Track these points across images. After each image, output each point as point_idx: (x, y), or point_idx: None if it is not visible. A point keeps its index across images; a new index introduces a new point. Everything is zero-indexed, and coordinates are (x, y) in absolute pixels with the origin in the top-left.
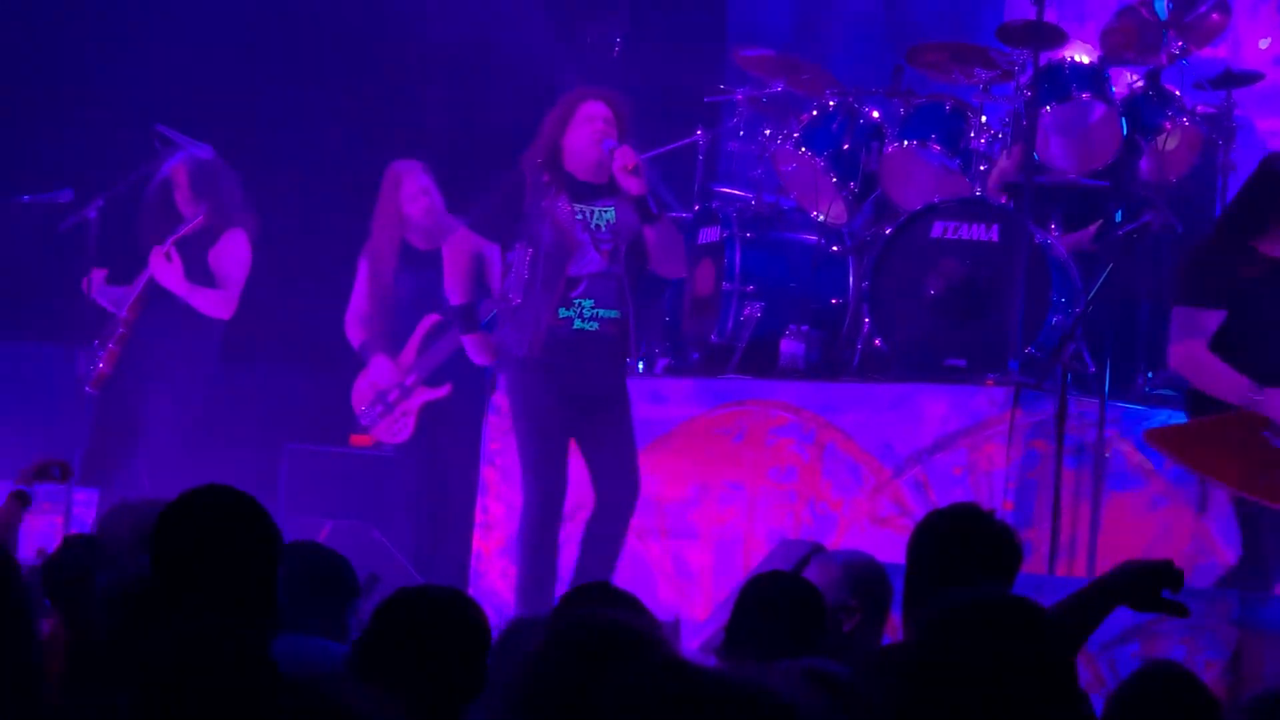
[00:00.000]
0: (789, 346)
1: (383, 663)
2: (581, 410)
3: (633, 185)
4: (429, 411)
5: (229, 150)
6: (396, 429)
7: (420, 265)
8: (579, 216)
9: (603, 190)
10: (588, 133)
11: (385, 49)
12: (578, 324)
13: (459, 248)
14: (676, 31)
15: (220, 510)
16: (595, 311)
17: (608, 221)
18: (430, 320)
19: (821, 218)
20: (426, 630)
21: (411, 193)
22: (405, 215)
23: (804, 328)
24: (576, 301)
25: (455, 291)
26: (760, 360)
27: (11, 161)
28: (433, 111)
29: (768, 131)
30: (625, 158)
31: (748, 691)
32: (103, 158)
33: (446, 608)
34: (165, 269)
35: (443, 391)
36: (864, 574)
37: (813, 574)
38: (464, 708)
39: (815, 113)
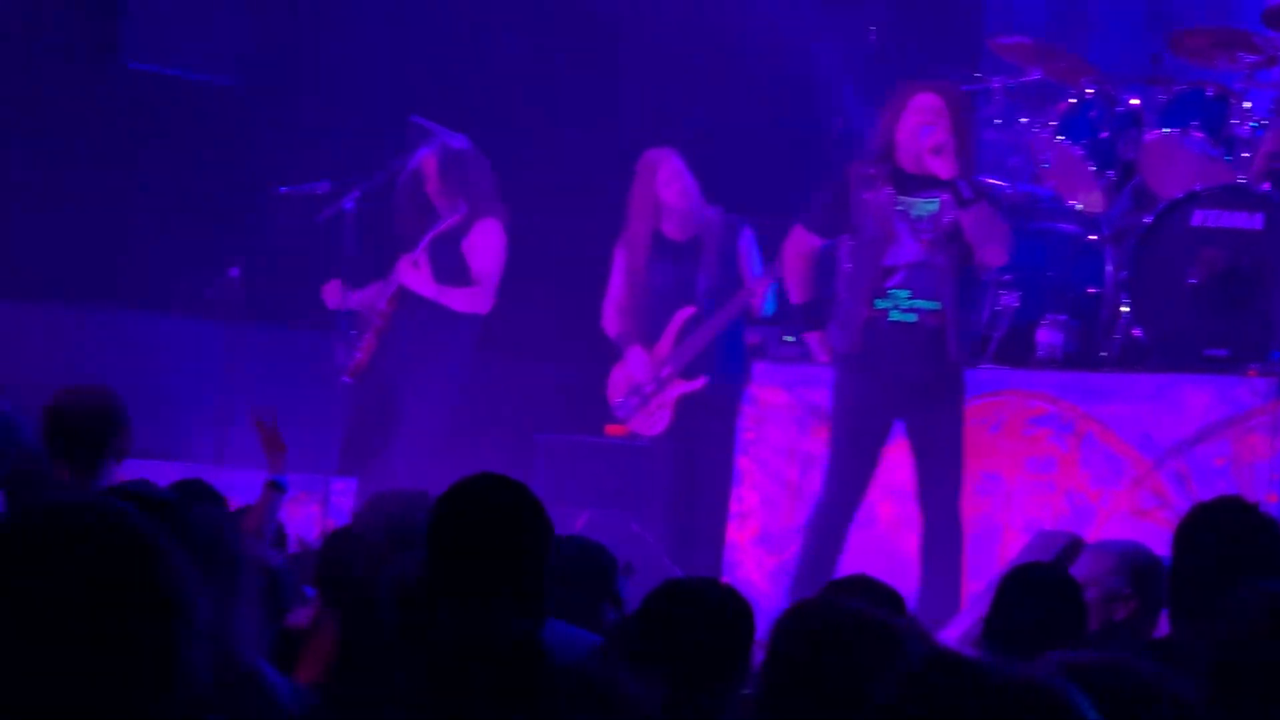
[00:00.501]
0: (1046, 336)
1: (646, 651)
2: (902, 406)
3: (940, 168)
4: (686, 401)
5: (484, 141)
6: (652, 421)
7: (677, 257)
8: (899, 207)
9: (931, 182)
10: (914, 124)
11: (638, 40)
12: (894, 315)
13: (794, 247)
14: (932, 20)
15: (497, 499)
16: (912, 303)
17: (930, 212)
18: (686, 313)
19: (1079, 206)
20: (691, 620)
21: (667, 177)
22: (661, 201)
23: (1061, 317)
24: (892, 292)
25: (794, 290)
26: (1017, 350)
27: (270, 153)
28: (685, 102)
29: (1024, 120)
30: (931, 139)
31: (1031, 686)
32: (360, 149)
33: (712, 598)
34: (413, 276)
35: (698, 384)
36: (1141, 564)
37: (1087, 561)
38: (726, 698)
39: (1073, 101)
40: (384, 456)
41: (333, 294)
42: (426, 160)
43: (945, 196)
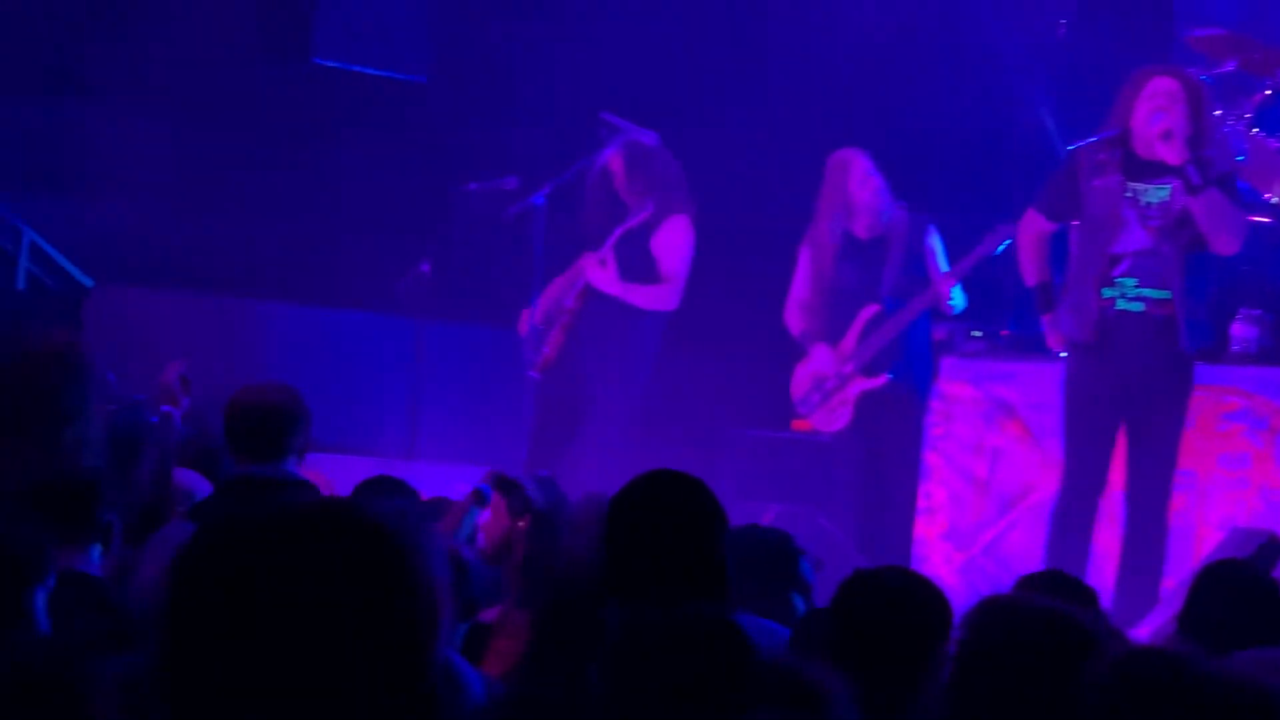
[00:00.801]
0: (1241, 330)
1: (839, 642)
2: (1130, 397)
3: (1169, 153)
4: (868, 398)
5: (673, 138)
6: (833, 417)
7: (864, 255)
8: (1128, 194)
9: (1161, 168)
10: (1147, 110)
11: (825, 37)
12: (1120, 304)
13: (1026, 230)
14: (1122, 12)
15: (670, 494)
16: (1139, 291)
17: (1160, 199)
18: (871, 310)
19: (1274, 200)
20: (884, 610)
21: (860, 177)
22: (853, 200)
23: (1256, 312)
24: (1119, 280)
25: (1028, 273)
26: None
27: (459, 149)
28: (872, 98)
29: (1218, 113)
30: (1161, 124)
31: (1238, 682)
32: (549, 145)
33: (905, 589)
34: (600, 274)
35: (879, 381)
36: None
37: None
38: (919, 690)
39: (1268, 93)
40: (572, 452)
41: (524, 323)
42: (614, 157)
43: (1176, 183)
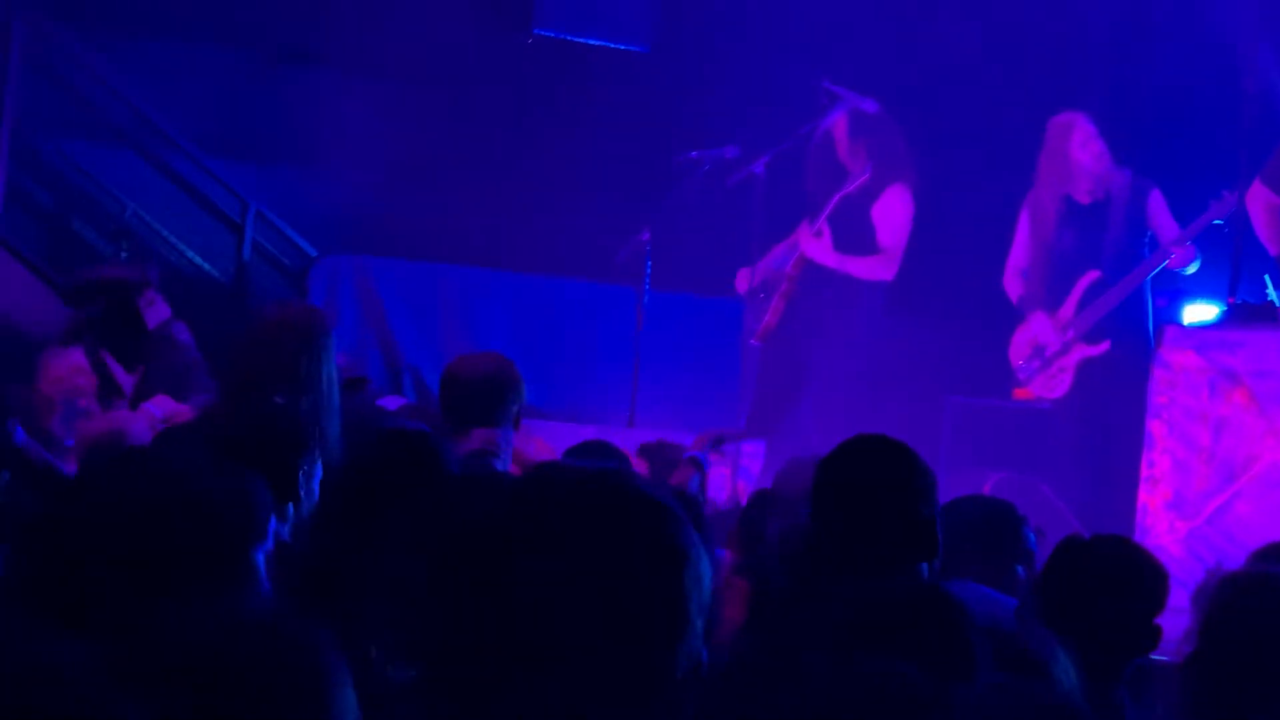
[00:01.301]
0: None
1: (1058, 611)
2: None
3: None
4: (1089, 365)
5: (894, 105)
6: (1053, 384)
7: (1084, 220)
8: None
9: None
10: None
11: (1047, 1)
12: None
13: (1254, 203)
14: None
15: (875, 459)
16: None
17: None
18: (1091, 276)
19: None
20: (1099, 579)
21: (1082, 140)
22: (1075, 163)
23: None
24: None
25: (1269, 245)
26: None
27: (680, 118)
28: (1093, 62)
29: None
30: None
31: None
32: (770, 114)
33: (1122, 558)
34: (815, 245)
35: (1100, 348)
36: None
37: None
38: (1132, 660)
39: None
40: (793, 420)
41: (743, 280)
42: (838, 122)
43: None
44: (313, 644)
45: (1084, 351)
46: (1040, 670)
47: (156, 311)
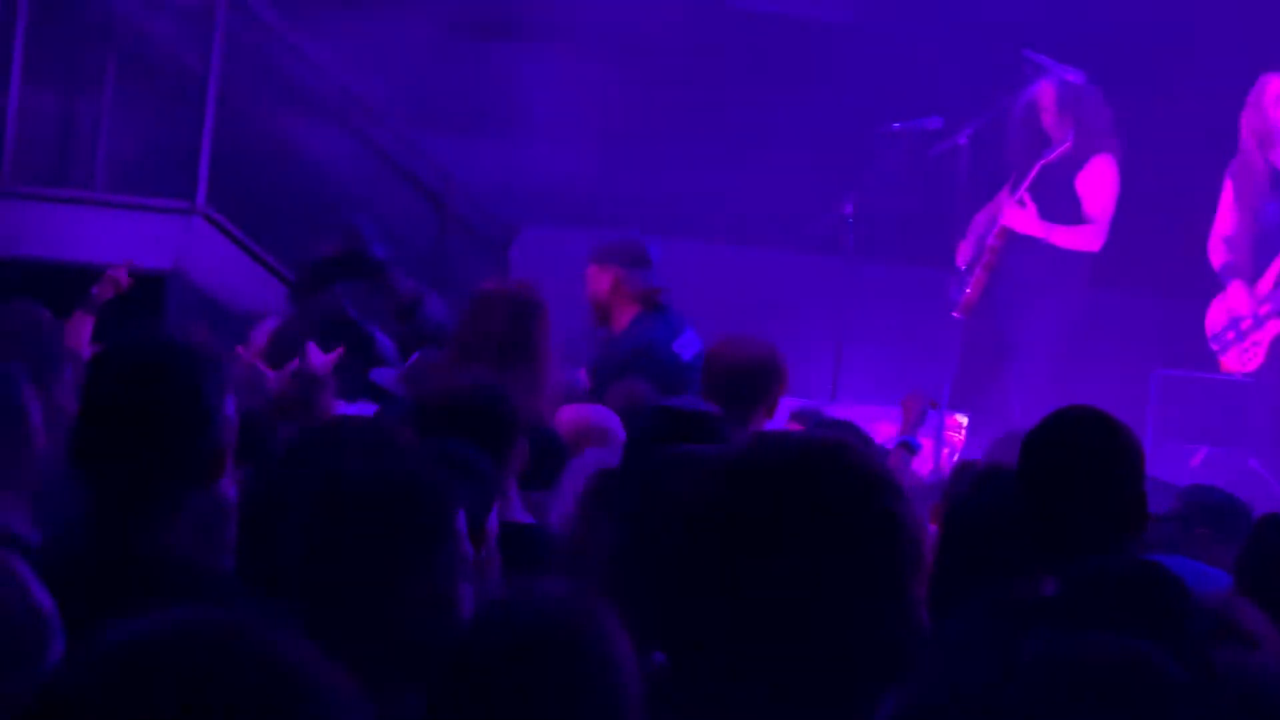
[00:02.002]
0: None
1: (1259, 588)
2: None
3: None
4: None
5: (1100, 75)
6: (1245, 358)
7: None
8: None
9: None
10: None
11: None
12: None
13: None
14: None
15: (1084, 431)
16: None
17: None
18: None
19: None
20: None
21: (1274, 99)
22: (1273, 127)
23: None
24: None
25: None
26: None
27: (882, 88)
28: None
29: None
30: None
31: None
32: (973, 84)
33: None
34: (1018, 216)
35: None
36: None
37: None
38: None
39: None
40: (997, 392)
41: (962, 254)
42: (1043, 91)
43: None
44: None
45: (1278, 327)
46: (1251, 646)
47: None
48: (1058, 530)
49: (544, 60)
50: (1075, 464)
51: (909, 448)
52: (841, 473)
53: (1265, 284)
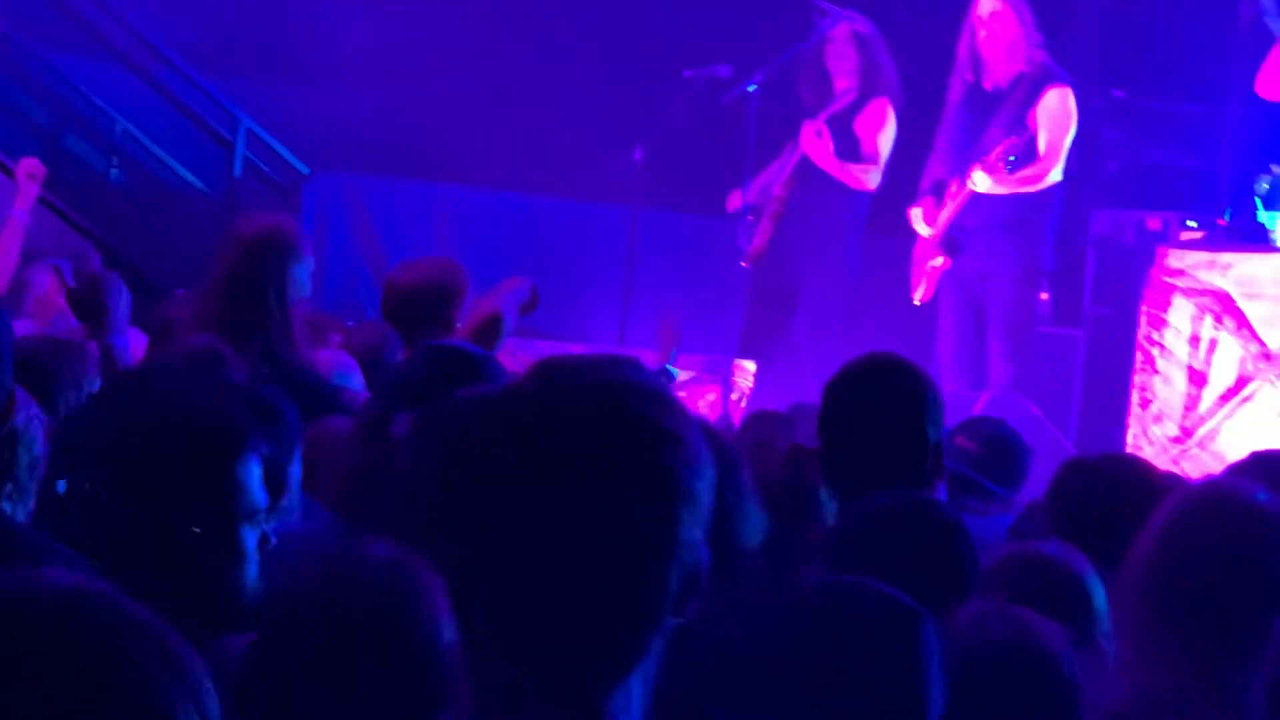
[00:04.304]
0: None
1: (1059, 528)
2: None
3: None
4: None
5: (883, 26)
6: (923, 291)
7: (977, 109)
8: None
9: None
10: None
11: None
12: None
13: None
14: None
15: (886, 377)
16: None
17: None
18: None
19: None
20: (1105, 496)
21: (981, 20)
22: (973, 45)
23: None
24: None
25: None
26: None
27: (674, 36)
28: None
29: None
30: None
31: None
32: (763, 32)
33: (1123, 476)
34: (816, 145)
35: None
36: None
37: None
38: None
39: None
40: (786, 340)
41: (734, 200)
42: (832, 38)
43: None
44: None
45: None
46: (1075, 589)
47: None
48: (854, 473)
49: (332, 5)
50: (876, 411)
51: (664, 374)
52: (617, 417)
53: (940, 209)
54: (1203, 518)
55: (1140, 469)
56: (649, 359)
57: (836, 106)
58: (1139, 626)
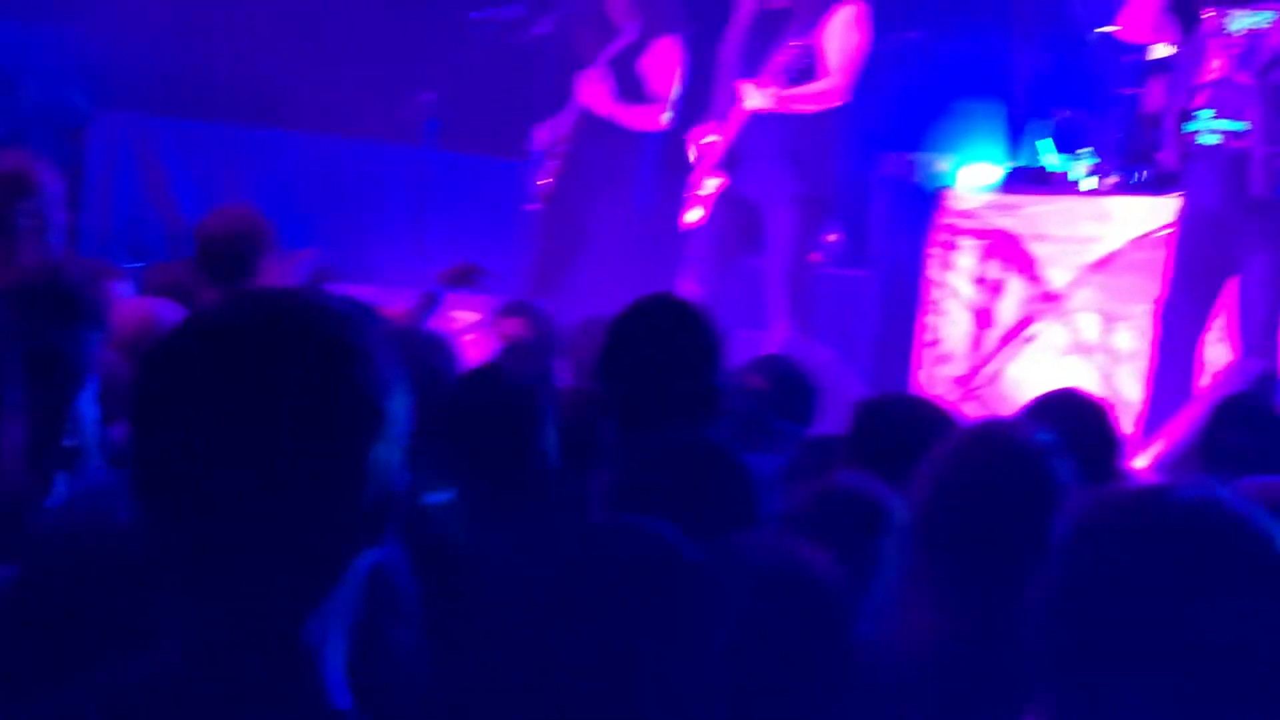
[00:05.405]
0: None
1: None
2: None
3: None
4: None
5: None
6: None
7: (760, 30)
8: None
9: None
10: None
11: None
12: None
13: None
14: None
15: (668, 318)
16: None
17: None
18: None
19: None
20: (901, 433)
21: None
22: None
23: None
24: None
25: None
26: None
27: None
28: None
29: None
30: None
31: (1204, 504)
32: None
33: (919, 413)
34: (592, 93)
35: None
36: None
37: None
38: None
39: None
40: (573, 280)
41: (539, 141)
42: None
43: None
44: None
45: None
46: (876, 518)
47: None
48: (636, 414)
49: None
50: (655, 350)
51: (431, 298)
52: (297, 334)
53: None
54: (974, 457)
55: (930, 408)
56: (450, 300)
57: (614, 49)
58: (917, 563)
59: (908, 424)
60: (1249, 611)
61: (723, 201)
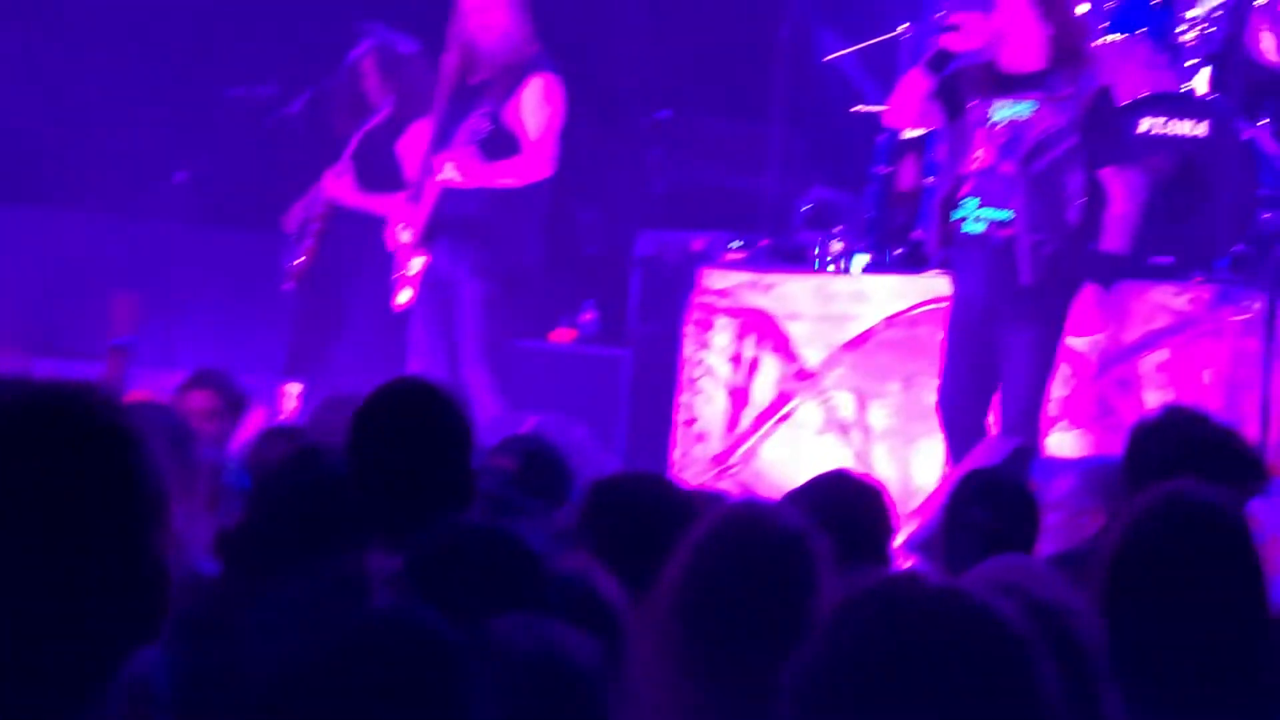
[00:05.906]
0: None
1: (591, 546)
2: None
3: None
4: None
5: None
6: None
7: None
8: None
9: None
10: None
11: None
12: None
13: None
14: None
15: (413, 403)
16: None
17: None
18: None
19: None
20: (630, 516)
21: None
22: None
23: None
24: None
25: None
26: None
27: (220, 54)
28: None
29: None
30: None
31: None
32: (312, 51)
33: (650, 495)
34: (338, 187)
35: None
36: (1108, 477)
37: (1051, 477)
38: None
39: None
40: (331, 360)
41: (294, 218)
42: (365, 57)
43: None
44: None
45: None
46: (603, 607)
47: None
48: (385, 502)
49: None
50: (402, 436)
51: (120, 350)
52: (72, 420)
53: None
54: (730, 538)
55: (663, 488)
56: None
57: (368, 127)
58: (673, 643)
59: (639, 506)
60: (986, 690)
61: (426, 279)
